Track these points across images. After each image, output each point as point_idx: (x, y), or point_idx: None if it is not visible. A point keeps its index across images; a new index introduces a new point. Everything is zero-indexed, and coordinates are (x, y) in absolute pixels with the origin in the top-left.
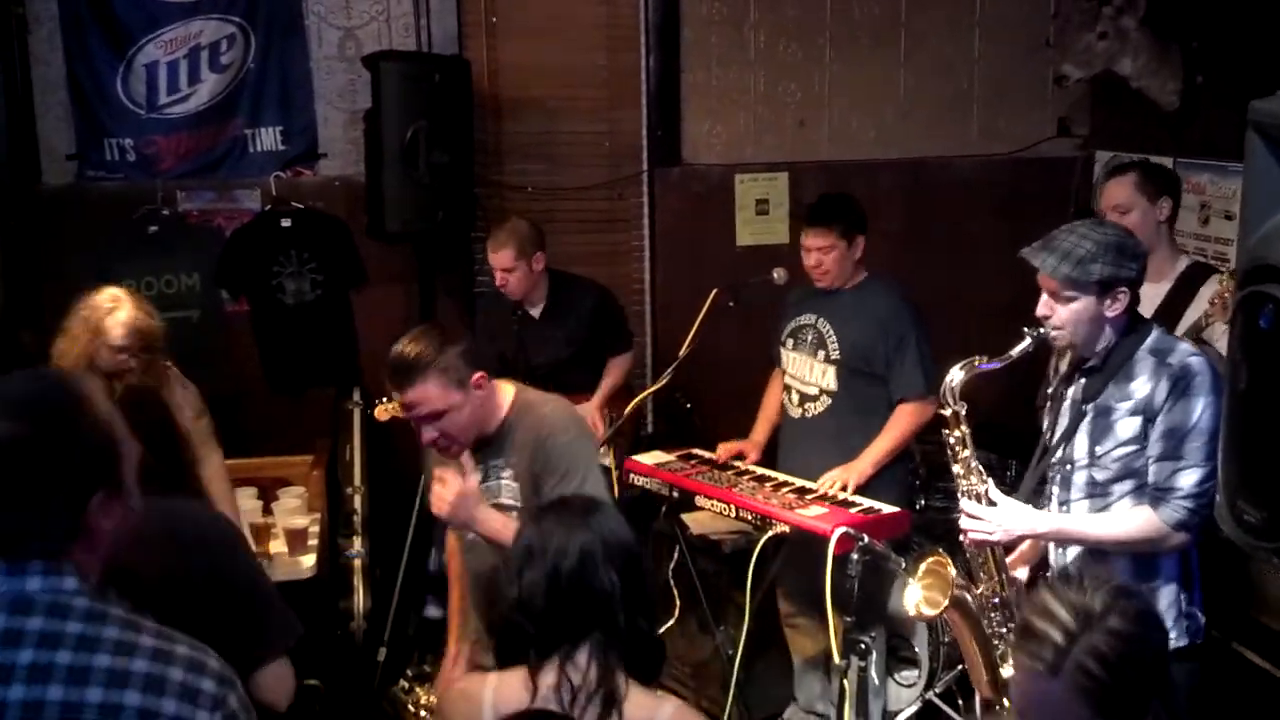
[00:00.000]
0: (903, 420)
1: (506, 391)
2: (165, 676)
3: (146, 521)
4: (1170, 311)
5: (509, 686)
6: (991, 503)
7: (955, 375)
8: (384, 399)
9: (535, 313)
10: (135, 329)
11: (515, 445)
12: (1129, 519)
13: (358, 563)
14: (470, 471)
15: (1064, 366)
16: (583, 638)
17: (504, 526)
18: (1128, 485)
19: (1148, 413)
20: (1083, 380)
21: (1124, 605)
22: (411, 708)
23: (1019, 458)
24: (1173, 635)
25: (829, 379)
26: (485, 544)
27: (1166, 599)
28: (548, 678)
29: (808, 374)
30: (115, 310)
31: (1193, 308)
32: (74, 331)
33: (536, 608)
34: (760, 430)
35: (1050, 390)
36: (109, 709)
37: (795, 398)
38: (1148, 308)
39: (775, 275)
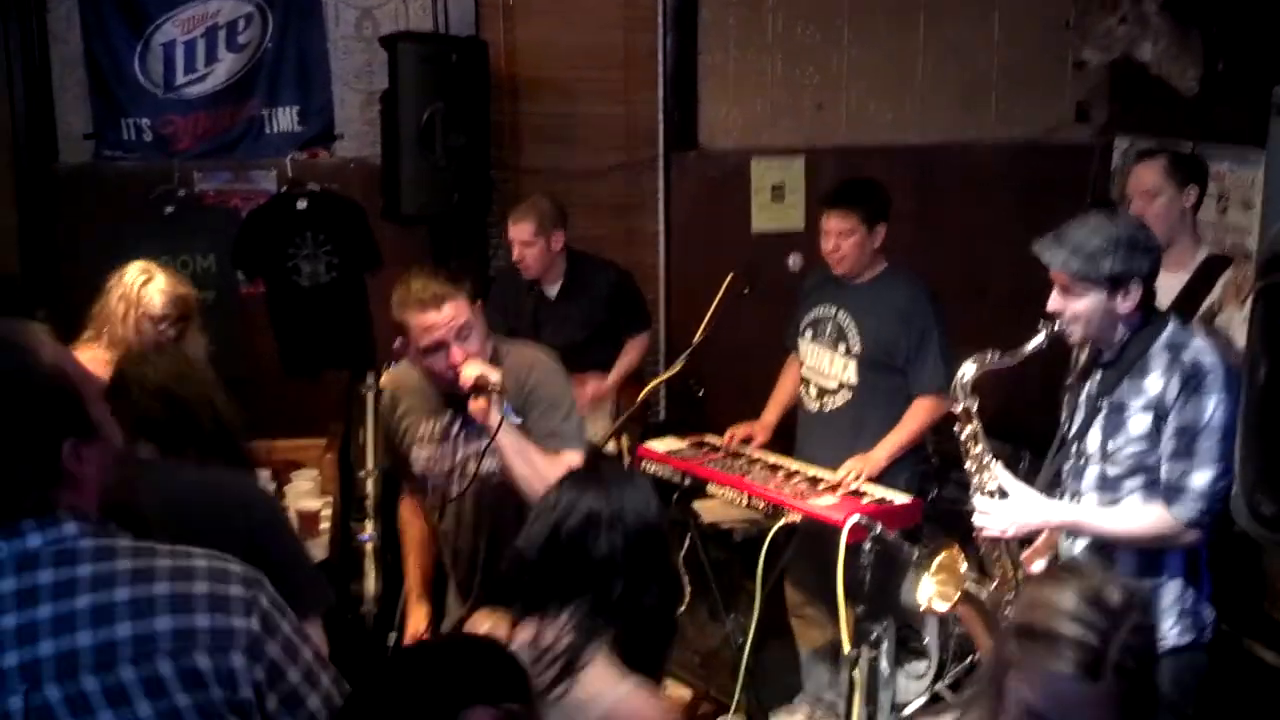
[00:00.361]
0: (920, 414)
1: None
2: (190, 593)
3: (186, 491)
4: (1189, 302)
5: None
6: (1004, 495)
7: (967, 370)
8: (390, 363)
9: (551, 292)
10: (174, 296)
11: (505, 376)
12: (1142, 514)
13: (369, 546)
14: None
15: (1084, 358)
16: (570, 600)
17: None
18: (1138, 481)
19: (1159, 410)
20: (1098, 374)
21: (1138, 598)
22: None
23: (1033, 449)
24: (1175, 631)
25: (849, 373)
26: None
27: (1171, 595)
28: (524, 633)
29: (827, 366)
30: (150, 280)
31: (1209, 300)
32: (112, 308)
33: (530, 561)
34: (771, 413)
35: (1069, 382)
36: (142, 640)
37: (814, 391)
38: (1166, 297)
39: (791, 261)
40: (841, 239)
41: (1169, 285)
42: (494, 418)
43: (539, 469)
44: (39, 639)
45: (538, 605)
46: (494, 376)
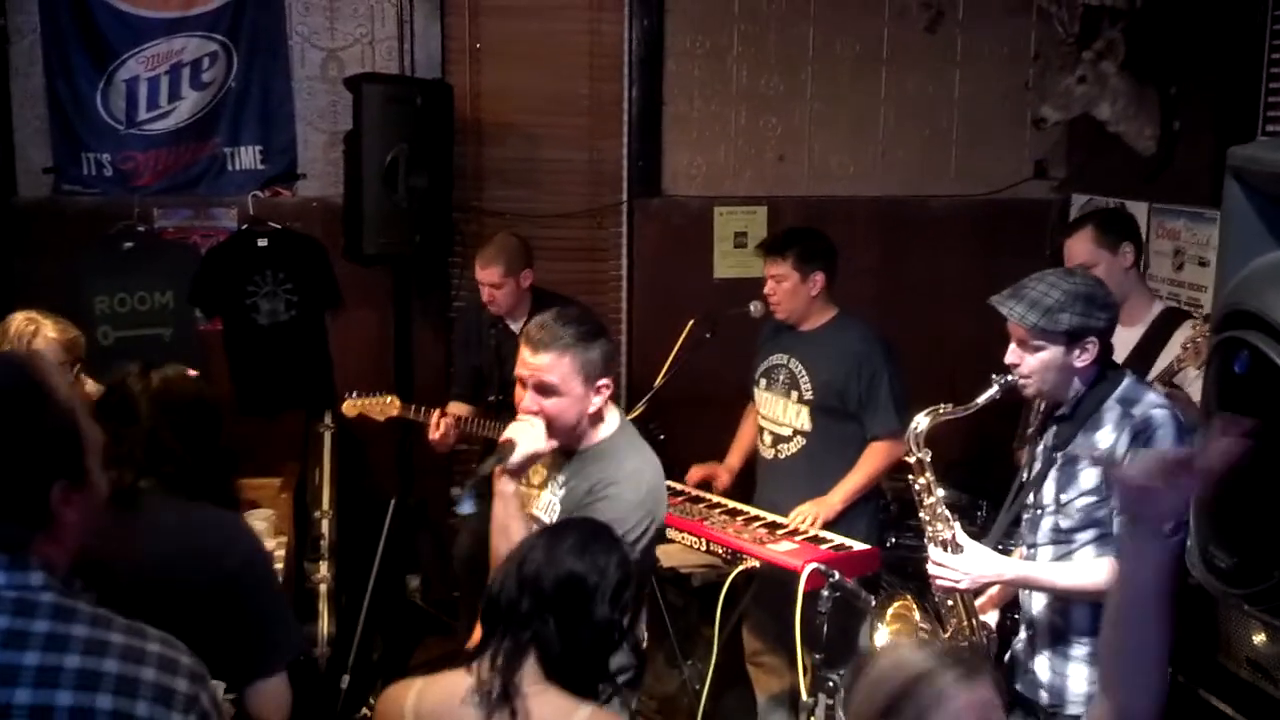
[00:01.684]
0: (875, 457)
1: (611, 421)
2: (138, 677)
3: (168, 531)
4: (1143, 356)
5: (432, 689)
6: (958, 548)
7: (921, 422)
8: (352, 393)
9: (516, 328)
10: (64, 342)
11: (583, 473)
12: (1094, 569)
13: (323, 588)
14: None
15: (1040, 410)
16: (516, 635)
17: None
18: (1090, 534)
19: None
20: (1054, 427)
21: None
22: None
23: (990, 498)
24: None
25: (802, 419)
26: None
27: None
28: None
29: (781, 414)
30: (37, 331)
31: (1165, 353)
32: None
33: (492, 601)
34: (734, 457)
35: (1028, 433)
36: (80, 712)
37: (768, 439)
38: (1121, 352)
39: (752, 308)
40: (776, 283)
41: (1124, 339)
42: (500, 482)
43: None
44: None
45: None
46: (519, 450)
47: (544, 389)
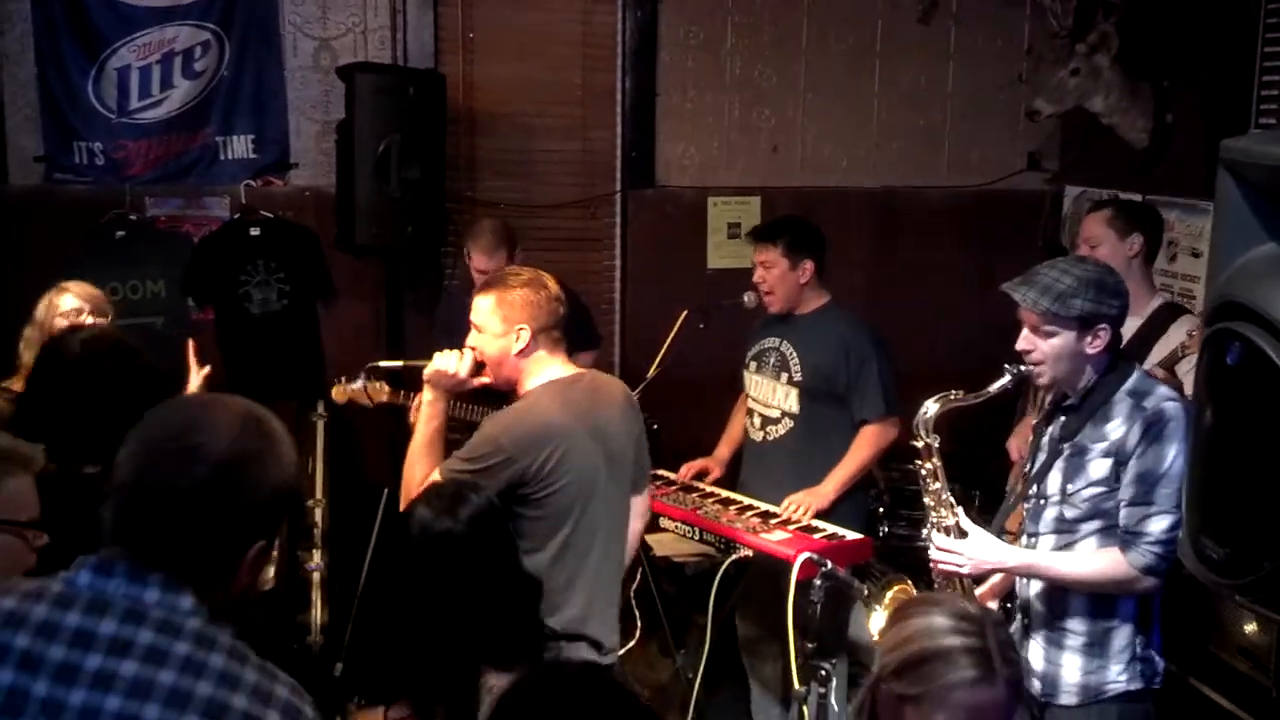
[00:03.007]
0: (866, 443)
1: (545, 376)
2: (263, 718)
3: None
4: (1139, 347)
5: None
6: (962, 534)
7: (930, 408)
8: (342, 379)
9: None
10: (87, 293)
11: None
12: (1098, 559)
13: (316, 576)
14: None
15: (1047, 401)
16: None
17: None
18: (1095, 525)
19: (1120, 455)
20: (1062, 418)
21: (980, 604)
22: None
23: (983, 489)
24: (1125, 678)
25: (791, 401)
26: None
27: (1122, 640)
28: None
29: (770, 396)
30: (72, 285)
31: (1160, 345)
32: (33, 326)
33: None
34: (724, 448)
35: (1035, 424)
36: None
37: (757, 421)
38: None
39: (745, 299)
40: (766, 271)
41: (1124, 329)
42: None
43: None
44: (110, 691)
45: None
46: (433, 363)
47: (472, 326)
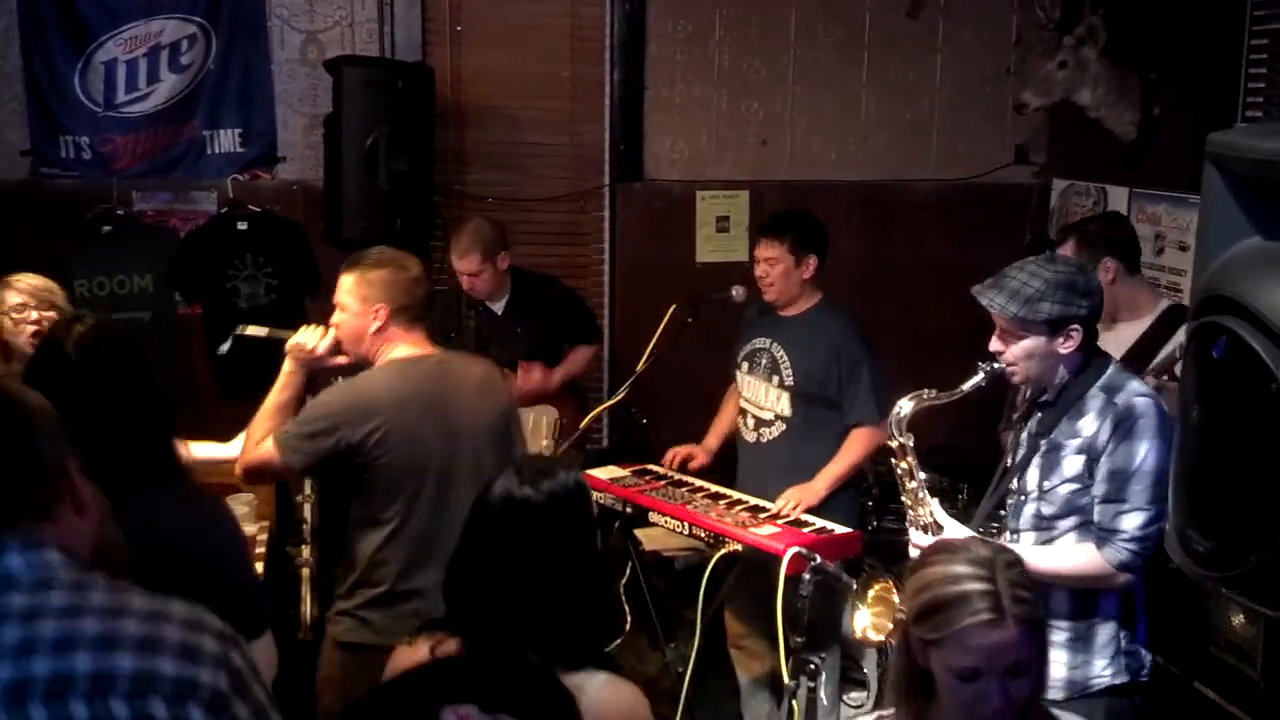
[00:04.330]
0: (856, 445)
1: (400, 351)
2: (160, 636)
3: (128, 515)
4: (1146, 351)
5: None
6: (939, 530)
7: (904, 407)
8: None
9: (497, 309)
10: (31, 287)
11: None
12: (1074, 555)
13: (305, 572)
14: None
15: (1026, 396)
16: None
17: None
18: (1071, 521)
19: (1091, 452)
20: (1038, 414)
21: (998, 546)
22: None
23: (971, 482)
24: (1110, 672)
25: (783, 404)
26: None
27: (1105, 635)
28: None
29: (762, 399)
30: (15, 280)
31: (1167, 348)
32: None
33: None
34: (712, 438)
35: (1014, 419)
36: (101, 676)
37: (750, 422)
38: (1124, 345)
39: (734, 292)
40: (770, 266)
41: (1126, 335)
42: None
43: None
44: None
45: None
46: (294, 337)
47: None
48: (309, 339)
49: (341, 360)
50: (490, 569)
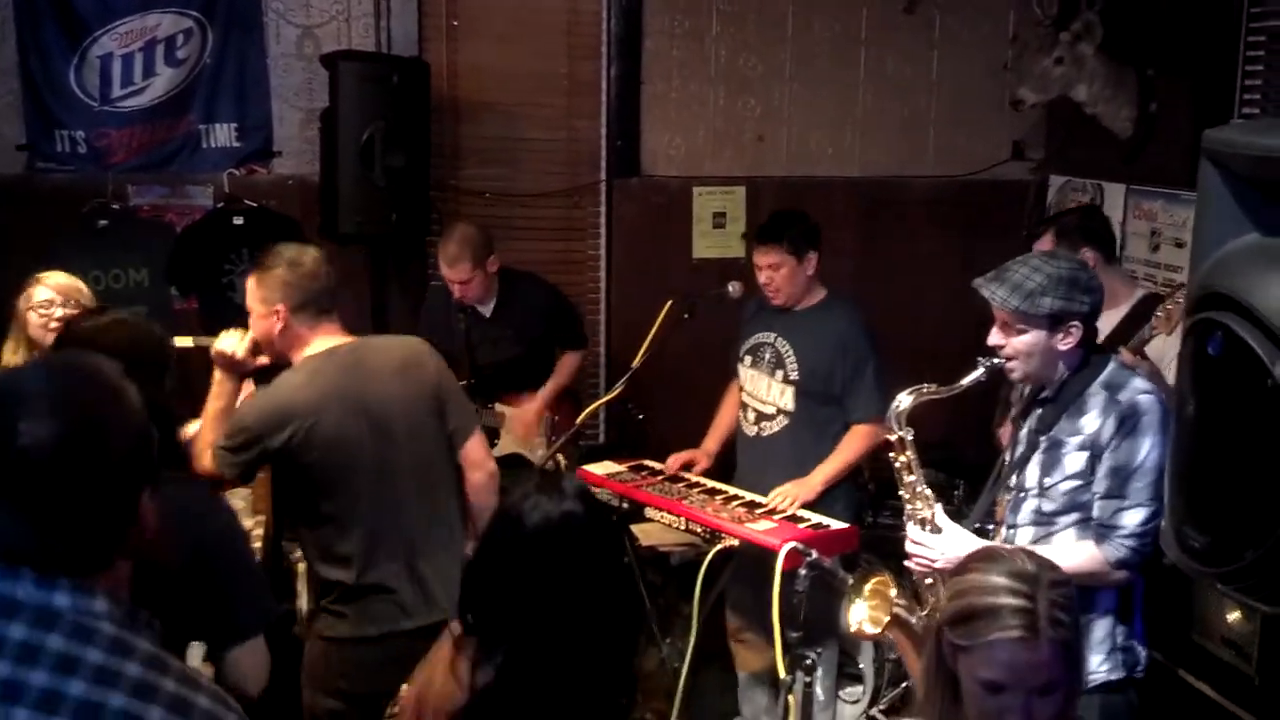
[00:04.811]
0: (856, 441)
1: (314, 347)
2: None
3: None
4: (1122, 339)
5: None
6: (936, 529)
7: (903, 401)
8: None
9: (486, 311)
10: (59, 285)
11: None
12: (1072, 552)
13: (301, 567)
14: None
15: (1026, 393)
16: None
17: None
18: (1072, 518)
19: (1094, 449)
20: (1039, 410)
21: (1045, 562)
22: None
23: (967, 478)
24: (1107, 667)
25: (787, 399)
26: None
27: (1102, 631)
28: None
29: (765, 393)
30: (45, 276)
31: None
32: (14, 319)
33: None
34: (712, 440)
35: (1013, 416)
36: None
37: (751, 416)
38: (1101, 334)
39: (730, 288)
40: (773, 271)
41: (1105, 322)
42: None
43: None
44: (18, 703)
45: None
46: (216, 343)
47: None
48: (228, 344)
49: (264, 361)
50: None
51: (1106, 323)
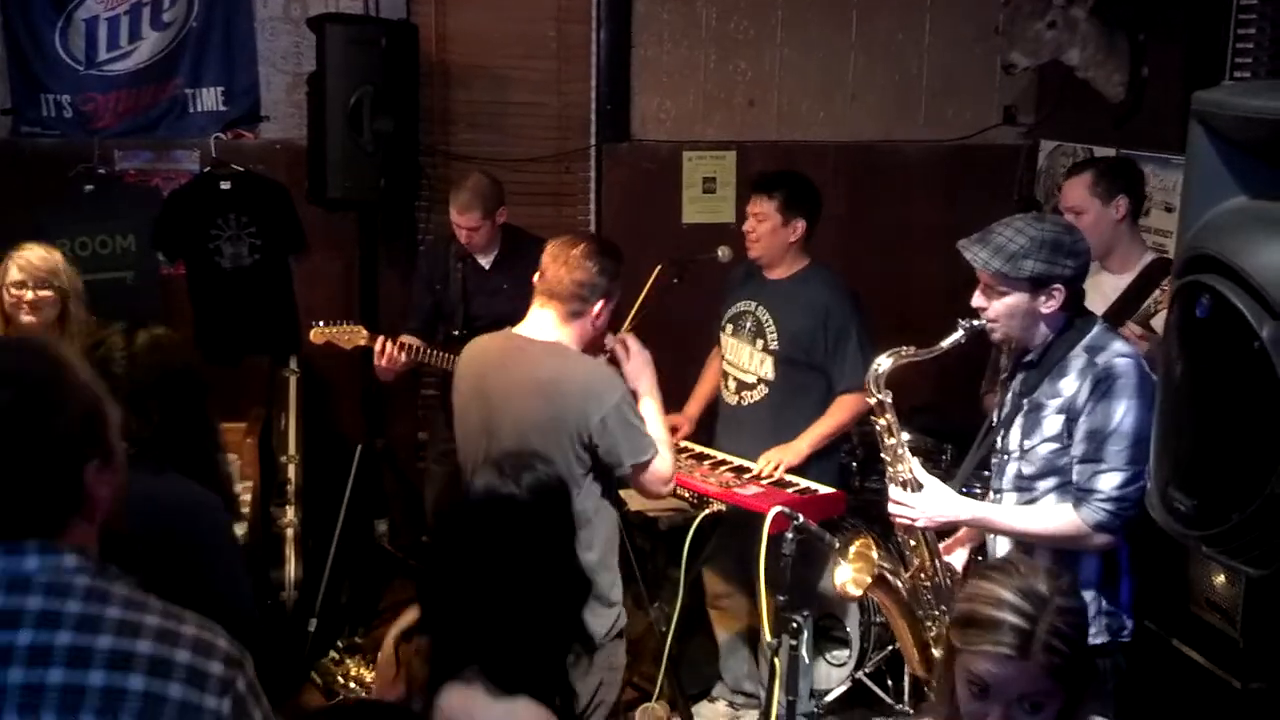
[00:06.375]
0: (842, 409)
1: None
2: (172, 659)
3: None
4: (1132, 303)
5: None
6: (918, 486)
7: (882, 363)
8: (319, 322)
9: (485, 262)
10: (31, 266)
11: None
12: (1052, 515)
13: (290, 532)
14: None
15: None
16: None
17: None
18: (1051, 481)
19: (1070, 412)
20: (1022, 374)
21: (1062, 585)
22: (341, 679)
23: (954, 442)
24: (1091, 631)
25: (767, 368)
26: None
27: (1087, 597)
28: None
29: (745, 361)
30: (18, 255)
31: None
32: None
33: None
34: (694, 405)
35: (1001, 379)
36: (112, 693)
37: (732, 385)
38: (1108, 299)
39: (720, 253)
40: (758, 222)
41: (1112, 286)
42: None
43: None
44: (11, 665)
45: None
46: None
47: None
48: None
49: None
50: (469, 569)
51: (1115, 285)
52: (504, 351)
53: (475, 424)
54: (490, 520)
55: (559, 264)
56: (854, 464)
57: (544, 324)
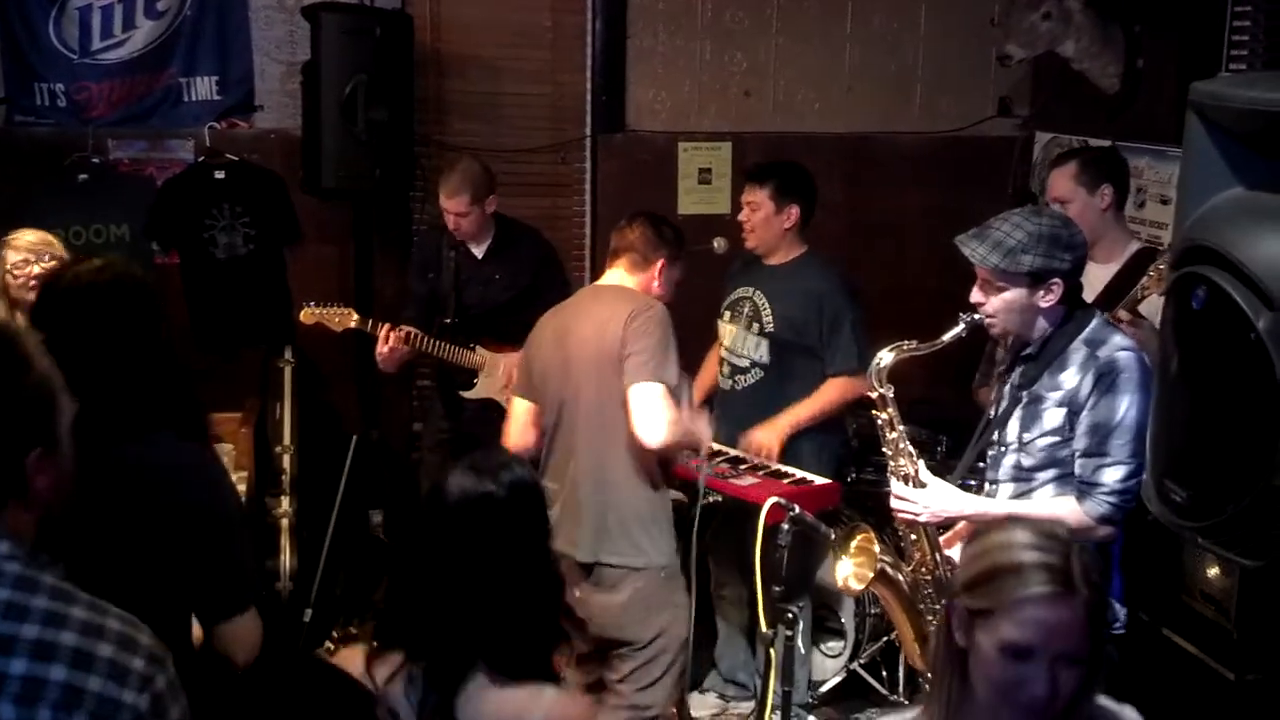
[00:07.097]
0: (830, 391)
1: None
2: (94, 652)
3: (130, 469)
4: (1116, 294)
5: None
6: (920, 484)
7: (884, 357)
8: (310, 303)
9: (478, 252)
10: (29, 243)
11: None
12: (1054, 508)
13: (285, 523)
14: None
15: (1008, 349)
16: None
17: None
18: (1050, 474)
19: (1073, 405)
20: (1021, 367)
21: (1067, 528)
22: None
23: (950, 434)
24: None
25: (761, 351)
26: None
27: None
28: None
29: (741, 346)
30: (14, 238)
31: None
32: None
33: None
34: (696, 397)
35: (998, 372)
36: (33, 682)
37: (727, 369)
38: (1095, 289)
39: (715, 244)
40: (752, 211)
41: (1098, 277)
42: None
43: None
44: None
45: None
46: None
47: None
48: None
49: None
50: (448, 571)
51: (1101, 275)
52: (579, 296)
53: (555, 362)
54: (467, 520)
55: (625, 228)
56: (848, 454)
57: (612, 276)
